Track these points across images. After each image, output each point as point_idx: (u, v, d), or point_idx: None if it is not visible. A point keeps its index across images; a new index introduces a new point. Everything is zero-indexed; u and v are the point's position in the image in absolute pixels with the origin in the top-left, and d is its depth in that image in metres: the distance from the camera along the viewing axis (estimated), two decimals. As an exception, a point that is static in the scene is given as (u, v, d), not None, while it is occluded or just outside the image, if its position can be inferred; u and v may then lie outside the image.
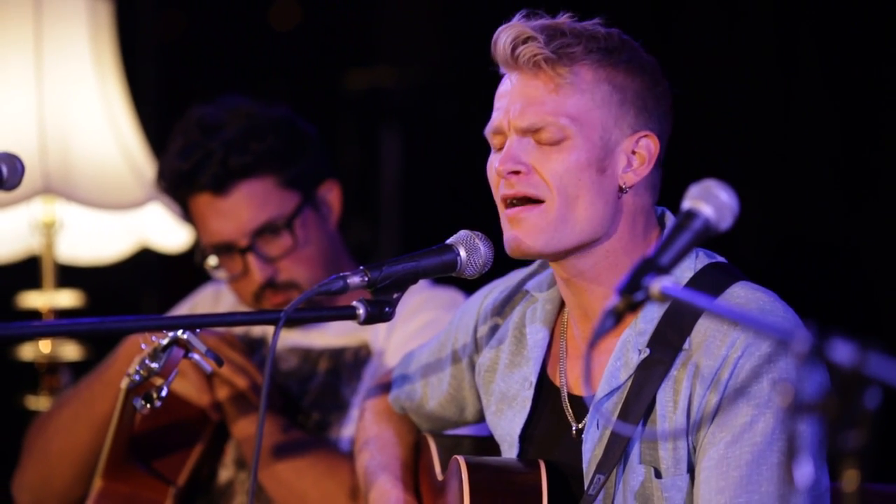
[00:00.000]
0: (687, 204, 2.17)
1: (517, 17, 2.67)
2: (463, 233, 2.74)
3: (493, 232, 2.73)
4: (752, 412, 2.52)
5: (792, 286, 4.44)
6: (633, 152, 2.65)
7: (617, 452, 2.61)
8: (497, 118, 2.68)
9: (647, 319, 2.64)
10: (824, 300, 4.40)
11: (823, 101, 4.39)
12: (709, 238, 2.17)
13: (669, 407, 2.59)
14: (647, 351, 2.61)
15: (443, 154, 5.40)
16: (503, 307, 2.93)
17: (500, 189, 2.66)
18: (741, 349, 2.55)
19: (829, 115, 4.40)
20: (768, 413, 2.52)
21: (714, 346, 2.57)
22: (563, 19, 2.67)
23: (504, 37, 2.65)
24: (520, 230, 2.64)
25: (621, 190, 2.65)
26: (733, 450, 2.53)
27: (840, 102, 4.35)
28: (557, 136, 2.62)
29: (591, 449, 2.65)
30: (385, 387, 3.19)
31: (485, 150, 2.76)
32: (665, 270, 2.12)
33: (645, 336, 2.63)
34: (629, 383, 2.63)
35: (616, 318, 2.11)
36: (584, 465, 2.65)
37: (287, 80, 5.73)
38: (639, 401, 2.60)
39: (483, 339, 2.95)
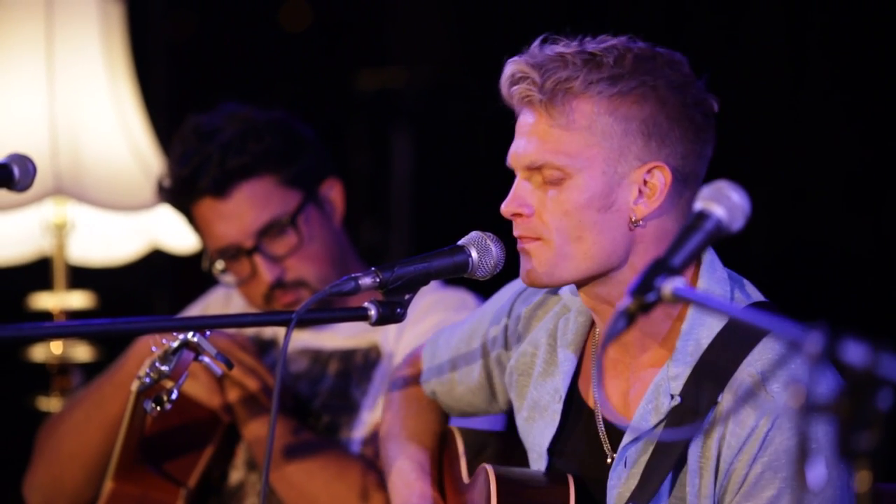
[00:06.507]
0: (699, 205, 2.16)
1: (536, 43, 2.60)
2: (474, 234, 2.73)
3: (504, 233, 2.72)
4: (779, 485, 2.49)
5: (803, 287, 4.44)
6: (645, 182, 2.58)
7: (643, 497, 2.57)
8: (509, 153, 2.65)
9: (681, 363, 2.58)
10: (835, 301, 4.39)
11: (834, 102, 4.38)
12: (720, 239, 2.17)
13: (700, 464, 2.55)
14: (679, 399, 2.57)
15: (454, 155, 5.39)
16: (536, 309, 2.89)
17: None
18: (771, 421, 2.49)
19: (840, 118, 4.39)
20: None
21: (744, 412, 2.51)
22: (574, 45, 2.59)
23: (505, 73, 2.61)
24: (527, 262, 2.62)
25: (633, 222, 2.58)
26: None
27: (851, 105, 4.34)
28: (557, 176, 2.58)
29: (616, 486, 2.63)
30: (412, 371, 3.16)
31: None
32: (677, 271, 2.11)
33: (679, 381, 2.57)
34: (659, 430, 2.58)
35: (628, 318, 2.10)
36: (610, 501, 2.63)
37: (298, 81, 5.73)
38: (669, 452, 2.56)
39: (513, 338, 2.92)
